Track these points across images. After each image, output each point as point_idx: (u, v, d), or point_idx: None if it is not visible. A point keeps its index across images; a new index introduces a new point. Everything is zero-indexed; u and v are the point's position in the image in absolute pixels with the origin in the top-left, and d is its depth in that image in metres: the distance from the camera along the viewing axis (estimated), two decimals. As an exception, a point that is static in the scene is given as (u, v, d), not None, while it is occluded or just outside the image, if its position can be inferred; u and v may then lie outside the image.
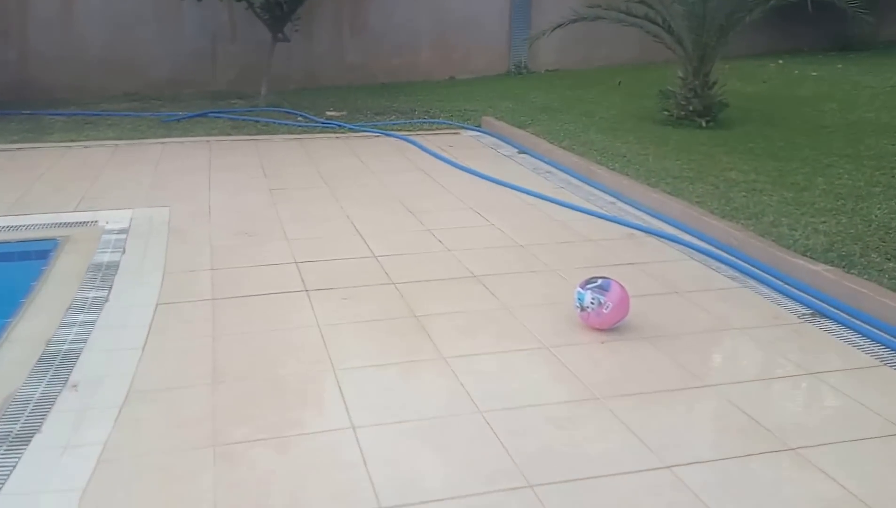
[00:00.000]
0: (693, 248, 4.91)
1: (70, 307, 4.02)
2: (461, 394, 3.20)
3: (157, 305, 4.10)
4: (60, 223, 5.42)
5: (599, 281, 3.80)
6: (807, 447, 2.85)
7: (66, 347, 3.59)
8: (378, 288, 4.33)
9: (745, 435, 2.93)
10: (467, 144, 8.14)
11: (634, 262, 4.71)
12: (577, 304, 3.78)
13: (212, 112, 9.46)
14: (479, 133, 8.63)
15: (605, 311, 3.72)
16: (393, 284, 4.38)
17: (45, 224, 5.40)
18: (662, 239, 5.12)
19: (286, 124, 8.95)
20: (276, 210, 5.78)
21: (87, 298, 4.17)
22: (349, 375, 3.36)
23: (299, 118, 9.32)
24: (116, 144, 7.98)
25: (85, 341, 3.66)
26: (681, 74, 8.13)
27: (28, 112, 9.32)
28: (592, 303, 3.72)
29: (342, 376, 3.34)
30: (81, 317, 3.93)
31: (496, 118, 8.78)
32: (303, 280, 4.43)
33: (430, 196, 6.21)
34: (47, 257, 4.80)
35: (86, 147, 7.84)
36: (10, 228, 5.33)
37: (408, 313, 3.98)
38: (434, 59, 11.96)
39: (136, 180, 6.57)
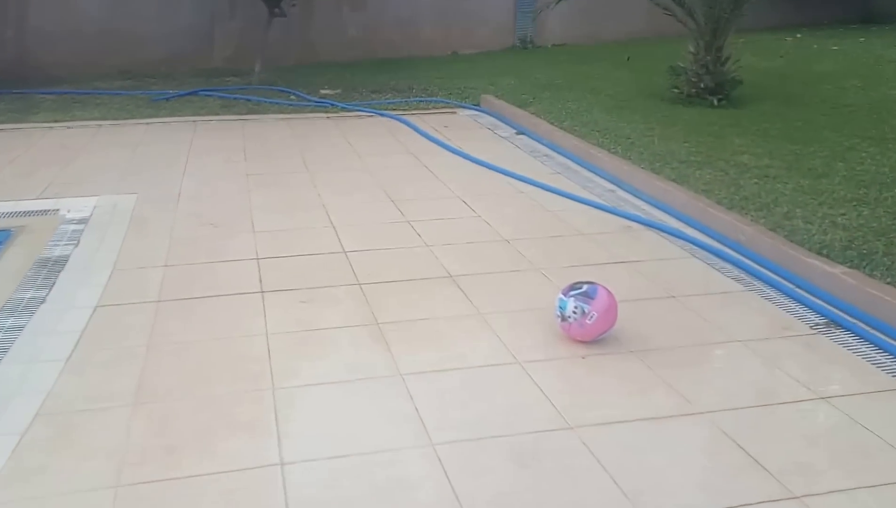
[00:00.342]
0: (696, 244, 4.44)
1: (0, 310, 3.66)
2: (413, 420, 2.79)
3: (96, 307, 3.72)
4: (19, 212, 5.06)
5: (585, 287, 3.36)
6: (813, 494, 2.41)
7: (-18, 359, 3.21)
8: (341, 290, 3.92)
9: (740, 479, 2.50)
10: (463, 125, 7.68)
11: (628, 260, 4.25)
12: (559, 313, 3.35)
13: (203, 90, 9.06)
14: (477, 112, 8.16)
15: (588, 321, 3.28)
16: (359, 285, 3.97)
17: (1, 213, 5.03)
18: (662, 233, 4.65)
19: (277, 103, 8.53)
20: (248, 198, 5.38)
21: (23, 299, 3.80)
22: (289, 396, 2.95)
23: (292, 97, 8.89)
24: (100, 125, 7.61)
25: (6, 350, 3.29)
26: (692, 48, 7.59)
27: (18, 91, 8.97)
28: (575, 312, 3.29)
29: (281, 397, 2.94)
30: (10, 321, 3.56)
31: (496, 96, 8.29)
32: (261, 280, 4.03)
33: (416, 183, 5.78)
34: (-10, 251, 4.45)
35: (68, 128, 7.48)
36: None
37: (369, 320, 3.57)
38: (436, 34, 11.44)
39: (110, 165, 6.19)
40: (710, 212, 4.66)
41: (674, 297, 3.81)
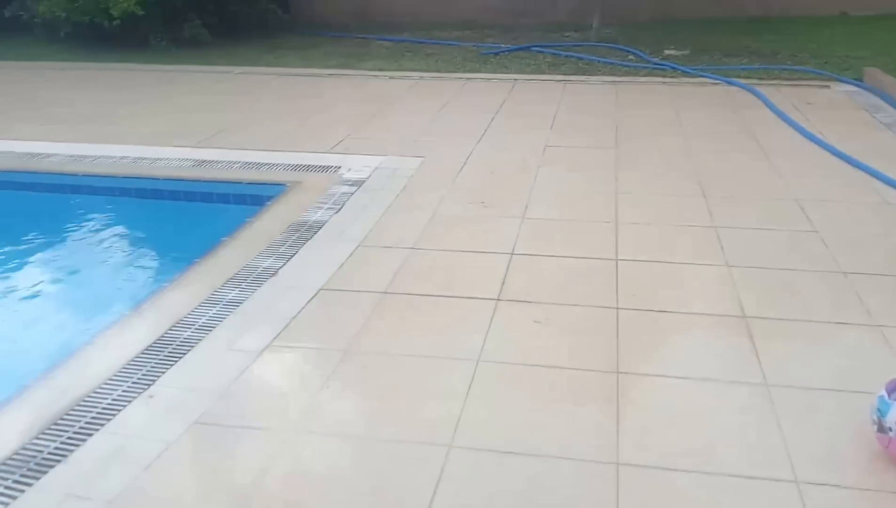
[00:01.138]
0: None
1: (228, 281, 3.47)
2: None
3: (318, 291, 3.35)
4: (302, 166, 4.98)
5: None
6: None
7: (169, 350, 2.95)
8: (590, 313, 3.06)
9: None
10: (833, 103, 6.09)
11: None
12: (876, 418, 2.17)
13: (535, 46, 8.51)
14: (856, 89, 6.44)
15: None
16: (615, 309, 3.07)
17: (288, 165, 5.00)
18: None
19: (611, 64, 7.65)
20: (534, 175, 4.68)
21: (257, 268, 3.58)
22: (461, 467, 2.25)
23: (630, 57, 7.94)
24: (421, 77, 7.49)
25: (208, 331, 3.04)
26: None
27: (360, 36, 9.31)
28: (907, 424, 2.08)
29: (450, 470, 2.24)
30: (233, 294, 3.34)
31: (886, 71, 6.44)
32: (503, 283, 3.33)
33: (744, 174, 4.58)
34: (260, 206, 4.37)
35: (390, 78, 7.47)
36: (252, 165, 5.02)
37: (607, 367, 2.69)
38: (822, -13, 9.47)
39: (411, 123, 5.94)
40: None
41: None
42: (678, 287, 3.25)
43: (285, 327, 3.07)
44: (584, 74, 7.34)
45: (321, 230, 3.99)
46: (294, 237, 3.91)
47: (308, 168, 4.94)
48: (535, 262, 3.54)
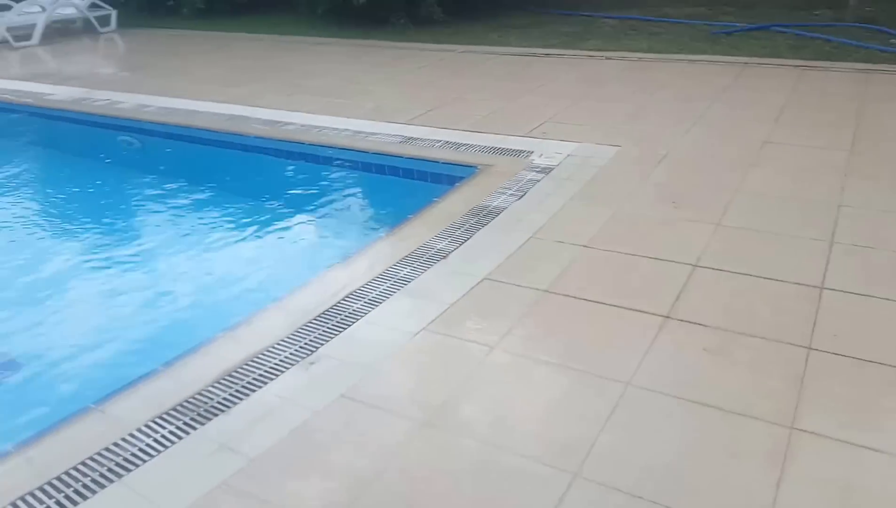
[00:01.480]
0: None
1: (403, 259, 3.47)
2: None
3: (482, 280, 3.25)
4: (497, 149, 4.87)
5: None
6: None
7: (337, 320, 3.03)
8: (774, 349, 2.66)
9: None
10: None
11: None
12: None
13: (775, 25, 7.70)
14: None
15: None
16: (808, 349, 2.65)
17: (484, 147, 4.91)
18: None
19: (865, 48, 6.72)
20: (743, 175, 4.21)
21: (432, 249, 3.56)
22: (581, 501, 2.04)
23: (893, 41, 6.91)
24: (640, 59, 7.06)
25: (375, 305, 3.06)
26: None
27: (586, 14, 8.97)
28: None
29: (570, 501, 2.04)
30: (405, 271, 3.34)
31: None
32: (677, 298, 3.01)
33: None
34: (450, 186, 4.35)
35: (607, 59, 7.13)
36: (452, 144, 4.98)
37: (780, 418, 2.31)
38: None
39: (616, 108, 5.62)
40: None
41: None
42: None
43: (441, 313, 3.02)
44: (828, 60, 6.51)
45: (499, 217, 3.87)
46: (472, 222, 3.83)
47: (502, 151, 4.82)
48: (721, 278, 3.16)
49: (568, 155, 4.66)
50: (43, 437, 2.43)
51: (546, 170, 4.45)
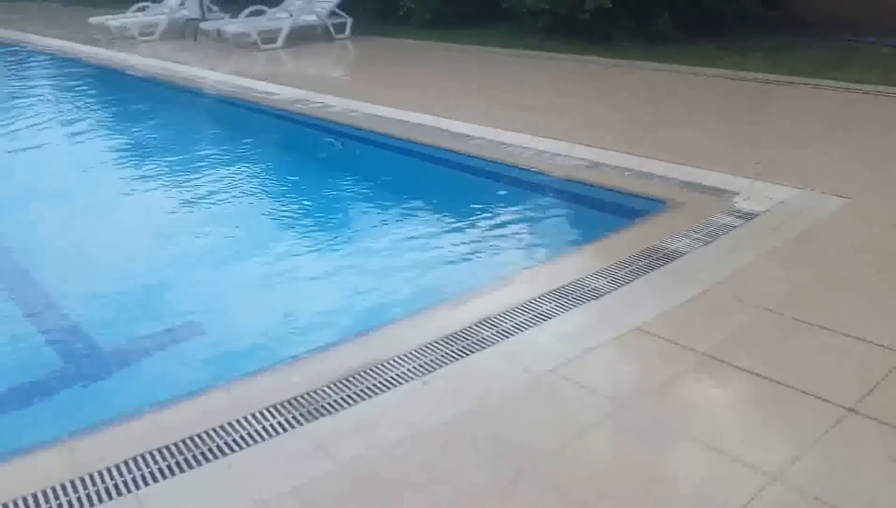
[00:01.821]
0: None
1: (550, 292, 3.15)
2: None
3: (632, 329, 2.83)
4: (696, 184, 4.34)
5: None
6: None
7: (458, 346, 2.76)
8: None
9: None
10: None
11: None
12: None
13: None
14: None
15: None
16: None
17: (680, 181, 4.40)
18: None
19: None
20: None
21: (584, 288, 3.18)
22: None
23: None
24: (877, 91, 6.07)
25: (492, 344, 2.77)
26: None
27: (851, 40, 7.96)
28: None
29: None
30: (545, 308, 3.00)
31: None
32: (871, 390, 2.39)
33: None
34: (628, 220, 3.95)
35: (864, 93, 6.13)
36: (644, 174, 4.53)
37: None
38: None
39: (853, 151, 4.85)
40: None
41: None
42: None
43: (573, 358, 2.67)
44: None
45: (674, 262, 3.39)
46: (639, 264, 3.39)
47: (701, 188, 4.29)
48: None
49: (780, 202, 4.02)
50: (176, 403, 2.57)
51: (748, 216, 3.86)
